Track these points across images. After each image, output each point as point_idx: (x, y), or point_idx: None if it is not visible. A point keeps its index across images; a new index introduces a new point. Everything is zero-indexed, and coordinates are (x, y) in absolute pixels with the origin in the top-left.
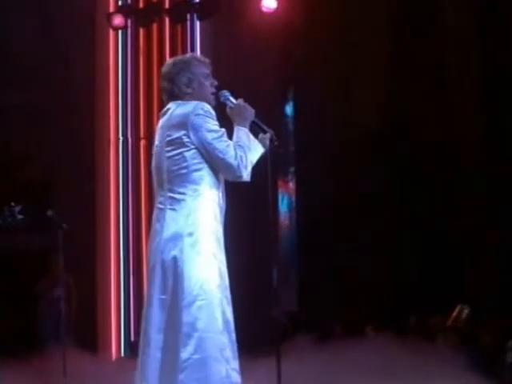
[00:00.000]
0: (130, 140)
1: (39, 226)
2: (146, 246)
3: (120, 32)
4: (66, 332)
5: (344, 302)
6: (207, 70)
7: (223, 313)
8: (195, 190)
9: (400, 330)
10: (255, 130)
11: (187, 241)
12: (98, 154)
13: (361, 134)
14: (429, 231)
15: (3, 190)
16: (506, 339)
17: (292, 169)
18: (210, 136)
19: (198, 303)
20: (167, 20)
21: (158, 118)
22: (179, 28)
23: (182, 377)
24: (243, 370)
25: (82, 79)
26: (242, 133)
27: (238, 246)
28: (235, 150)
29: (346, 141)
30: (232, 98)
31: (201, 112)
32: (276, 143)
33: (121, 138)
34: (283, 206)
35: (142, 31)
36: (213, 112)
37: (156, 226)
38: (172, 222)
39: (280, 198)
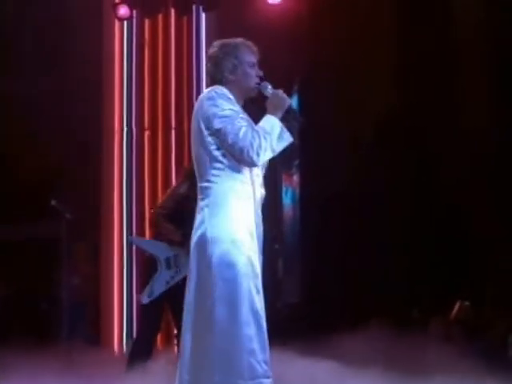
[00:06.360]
0: (134, 130)
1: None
2: (150, 237)
3: (125, 22)
4: (81, 322)
5: (347, 295)
6: (254, 59)
7: (250, 303)
8: (218, 177)
9: (402, 323)
10: (288, 120)
11: (209, 229)
12: (103, 144)
13: (367, 129)
14: (433, 226)
15: (8, 178)
16: (508, 333)
17: (296, 162)
18: (219, 122)
19: (217, 293)
20: (173, 11)
21: (163, 109)
22: (185, 19)
23: (202, 369)
24: None
25: (87, 69)
26: (266, 119)
27: None
28: (247, 134)
29: (351, 135)
30: (270, 89)
31: (213, 95)
32: (301, 119)
33: (125, 128)
34: (287, 199)
35: (147, 22)
36: (229, 96)
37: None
38: (198, 211)
39: (284, 190)
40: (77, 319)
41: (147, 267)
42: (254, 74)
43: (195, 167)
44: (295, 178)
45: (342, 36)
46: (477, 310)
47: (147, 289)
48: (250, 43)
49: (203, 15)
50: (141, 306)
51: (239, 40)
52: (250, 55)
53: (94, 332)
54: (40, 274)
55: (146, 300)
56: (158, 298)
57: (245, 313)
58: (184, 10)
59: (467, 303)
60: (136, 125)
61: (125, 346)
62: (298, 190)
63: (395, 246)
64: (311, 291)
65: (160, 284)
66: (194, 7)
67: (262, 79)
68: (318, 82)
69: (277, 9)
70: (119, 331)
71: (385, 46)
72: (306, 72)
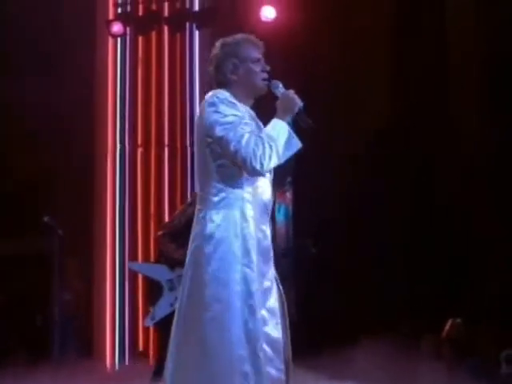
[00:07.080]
0: (127, 148)
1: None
2: (142, 254)
3: (119, 39)
4: (73, 337)
5: (342, 311)
6: (258, 55)
7: (243, 323)
8: (220, 189)
9: (393, 337)
10: (298, 124)
11: (204, 243)
12: (96, 162)
13: (364, 144)
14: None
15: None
16: (501, 350)
17: (289, 179)
18: (221, 129)
19: (207, 314)
20: (166, 28)
21: (156, 126)
22: (178, 36)
23: None
24: None
25: (80, 86)
26: (273, 124)
27: None
28: (250, 141)
29: (346, 150)
30: (281, 88)
31: (215, 100)
32: (311, 124)
33: (118, 145)
34: (280, 215)
35: (140, 39)
36: (232, 100)
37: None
38: (196, 222)
39: (277, 207)
40: (68, 334)
41: (152, 289)
42: (258, 69)
43: (195, 175)
44: (288, 194)
45: (336, 50)
46: (469, 328)
47: (151, 312)
48: (252, 37)
49: (196, 32)
50: (161, 321)
51: (240, 36)
52: (253, 50)
53: (86, 347)
54: (32, 289)
55: (149, 323)
56: None
57: (236, 334)
58: (177, 28)
59: (459, 320)
60: (129, 142)
61: (117, 361)
62: (290, 207)
63: (390, 264)
64: (305, 308)
65: (164, 307)
66: (187, 24)
67: (269, 73)
68: (313, 97)
69: (270, 25)
70: (111, 346)
71: (382, 50)
72: (300, 87)
